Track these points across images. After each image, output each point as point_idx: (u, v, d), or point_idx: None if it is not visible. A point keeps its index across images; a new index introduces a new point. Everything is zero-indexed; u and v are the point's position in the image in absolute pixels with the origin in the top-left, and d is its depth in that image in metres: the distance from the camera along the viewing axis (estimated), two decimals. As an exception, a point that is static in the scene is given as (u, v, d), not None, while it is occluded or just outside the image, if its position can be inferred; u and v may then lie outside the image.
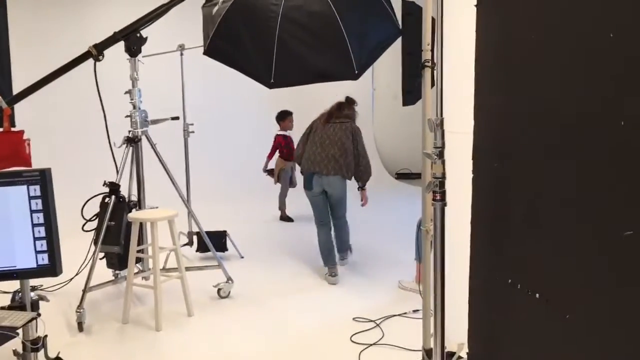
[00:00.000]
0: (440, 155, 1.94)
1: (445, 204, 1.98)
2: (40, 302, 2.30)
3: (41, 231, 2.04)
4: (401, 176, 9.71)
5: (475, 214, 1.98)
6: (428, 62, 2.04)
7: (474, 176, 1.96)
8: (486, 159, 1.92)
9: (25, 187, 2.00)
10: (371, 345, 3.37)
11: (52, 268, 2.06)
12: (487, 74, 1.89)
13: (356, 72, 4.66)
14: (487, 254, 1.95)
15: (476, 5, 1.88)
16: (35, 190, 2.01)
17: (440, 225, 1.97)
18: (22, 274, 2.07)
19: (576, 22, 1.54)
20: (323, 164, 4.59)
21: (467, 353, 2.12)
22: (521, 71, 1.76)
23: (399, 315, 3.81)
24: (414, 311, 3.85)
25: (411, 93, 6.28)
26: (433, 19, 1.87)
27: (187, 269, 4.13)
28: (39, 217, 2.02)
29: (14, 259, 2.04)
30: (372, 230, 6.25)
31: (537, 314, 1.72)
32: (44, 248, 2.05)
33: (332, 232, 4.80)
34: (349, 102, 4.98)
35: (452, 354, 2.29)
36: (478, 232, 1.98)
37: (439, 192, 1.96)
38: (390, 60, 6.74)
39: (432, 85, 2.18)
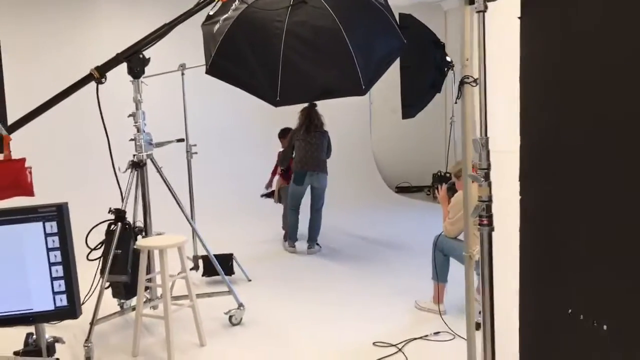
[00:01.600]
0: (487, 177, 1.83)
1: (492, 229, 1.86)
2: (56, 345, 2.14)
3: (59, 270, 1.89)
4: (401, 190, 9.61)
5: (524, 239, 1.87)
6: (468, 78, 1.93)
7: (522, 198, 1.84)
8: (536, 180, 1.80)
9: (41, 223, 1.86)
10: (396, 372, 3.23)
11: (72, 310, 1.91)
12: (535, 89, 1.78)
13: (363, 87, 4.56)
14: (541, 283, 1.83)
15: (520, 18, 1.77)
16: (52, 226, 1.86)
17: (487, 251, 1.85)
18: (39, 318, 1.91)
19: (635, 32, 1.44)
20: (313, 164, 5.84)
21: (520, 387, 2.00)
22: (574, 86, 1.65)
23: (420, 338, 3.68)
24: (435, 333, 3.72)
25: (410, 106, 6.24)
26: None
27: (197, 296, 3.97)
28: (57, 256, 1.88)
29: (30, 302, 1.89)
30: (378, 247, 6.12)
31: (603, 346, 1.60)
32: (62, 289, 1.90)
33: (308, 223, 6.02)
34: (315, 109, 6.01)
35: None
36: (528, 259, 1.86)
37: (485, 216, 1.85)
38: (388, 73, 6.67)
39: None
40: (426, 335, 3.70)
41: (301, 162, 5.83)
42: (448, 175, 8.67)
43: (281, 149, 6.43)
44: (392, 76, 5.86)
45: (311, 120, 5.90)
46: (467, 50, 1.93)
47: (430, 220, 7.32)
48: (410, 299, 4.33)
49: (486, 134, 1.80)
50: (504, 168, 1.98)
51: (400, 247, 6.10)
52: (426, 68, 6.32)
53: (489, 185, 1.83)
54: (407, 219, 7.60)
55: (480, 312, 2.12)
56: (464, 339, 3.59)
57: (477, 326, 2.53)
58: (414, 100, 6.24)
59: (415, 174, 9.76)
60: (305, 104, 5.92)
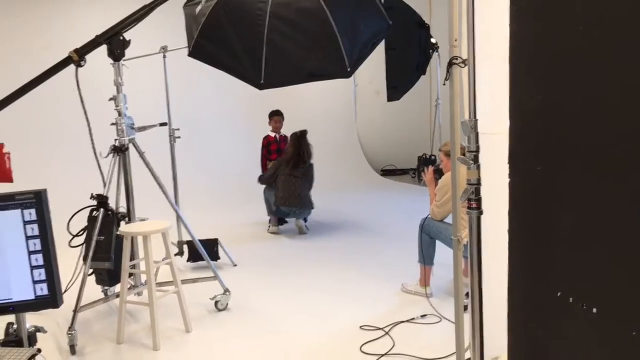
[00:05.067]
0: (476, 159, 1.80)
1: (481, 212, 1.84)
2: (38, 334, 2.10)
3: (38, 259, 1.83)
4: (387, 172, 9.61)
5: (513, 222, 1.84)
6: (457, 59, 1.89)
7: (512, 181, 1.81)
8: (526, 162, 1.77)
9: (19, 211, 1.80)
10: (383, 355, 3.22)
11: (53, 299, 1.86)
12: (525, 68, 1.75)
13: (348, 69, 4.53)
14: (530, 266, 1.81)
15: (509, -4, 1.73)
16: (31, 214, 1.80)
17: (476, 235, 1.83)
18: (19, 307, 1.86)
19: (630, 8, 1.41)
20: (298, 203, 5.83)
21: (508, 370, 1.99)
22: (566, 65, 1.61)
23: (406, 321, 3.68)
24: (422, 316, 3.73)
25: (395, 88, 6.20)
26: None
27: (182, 281, 3.93)
28: (36, 244, 1.82)
29: (9, 291, 1.84)
30: (363, 231, 6.11)
31: (592, 329, 1.58)
32: (43, 277, 1.85)
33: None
34: (306, 137, 5.95)
35: (486, 369, 2.16)
36: (517, 242, 1.84)
37: (474, 199, 1.82)
38: (373, 55, 6.64)
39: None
40: (413, 318, 3.70)
41: (285, 199, 5.80)
42: (433, 157, 8.68)
43: (268, 133, 6.36)
44: (377, 58, 5.83)
45: (300, 154, 5.84)
46: (456, 31, 1.89)
47: (415, 203, 7.34)
48: (397, 282, 4.33)
49: (475, 116, 1.77)
50: (493, 150, 1.96)
51: (386, 230, 6.09)
52: (411, 50, 6.29)
53: (478, 167, 1.80)
54: (393, 202, 7.60)
55: (467, 295, 2.11)
56: (450, 321, 3.61)
57: (465, 309, 2.53)
58: (399, 82, 6.22)
59: (400, 156, 9.76)
60: (296, 131, 5.93)
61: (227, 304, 4.03)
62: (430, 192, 4.17)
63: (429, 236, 4.03)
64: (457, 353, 2.47)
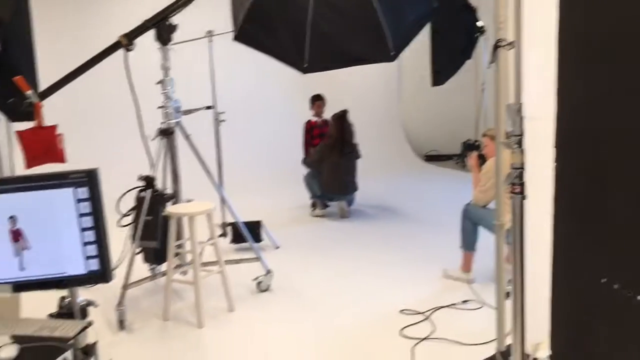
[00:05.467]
0: (520, 143, 1.78)
1: (525, 197, 1.82)
2: (89, 308, 2.19)
3: (91, 235, 1.92)
4: (430, 158, 9.52)
5: (558, 207, 1.82)
6: (503, 41, 1.86)
7: (557, 165, 1.78)
8: (572, 147, 1.74)
9: (72, 189, 1.88)
10: (423, 339, 3.23)
11: (103, 274, 1.95)
12: (574, 52, 1.71)
13: (392, 53, 4.50)
14: (574, 251, 1.79)
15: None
16: (83, 192, 1.88)
17: (519, 220, 1.82)
18: (72, 282, 1.95)
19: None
20: (344, 190, 5.94)
21: (550, 356, 1.97)
22: (619, 50, 1.57)
23: (447, 306, 3.67)
24: (464, 302, 3.71)
25: (440, 73, 6.12)
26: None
27: (226, 262, 4.01)
28: (88, 221, 1.90)
29: (63, 266, 1.93)
30: (406, 216, 6.10)
31: (637, 316, 1.56)
32: (94, 253, 1.93)
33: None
34: (347, 118, 5.92)
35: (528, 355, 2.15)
36: (561, 227, 1.82)
37: (518, 184, 1.81)
38: (417, 39, 6.55)
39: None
40: (454, 304, 3.69)
41: (330, 187, 5.88)
42: (478, 143, 8.55)
43: (310, 118, 6.39)
44: (421, 42, 5.76)
45: (344, 138, 5.83)
46: (502, 12, 1.86)
47: (459, 189, 7.25)
48: (438, 267, 4.32)
49: (520, 100, 1.75)
50: (538, 134, 1.93)
51: (428, 215, 6.06)
52: (457, 33, 6.19)
53: (522, 151, 1.78)
54: (436, 188, 7.54)
55: (509, 281, 2.10)
56: (492, 307, 3.59)
57: (507, 295, 2.51)
58: (444, 66, 6.14)
59: (444, 142, 9.64)
60: (337, 112, 5.89)
61: (269, 285, 4.10)
62: (474, 177, 4.13)
63: (471, 222, 4.00)
64: (498, 339, 2.46)
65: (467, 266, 4.04)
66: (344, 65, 4.83)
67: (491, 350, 2.95)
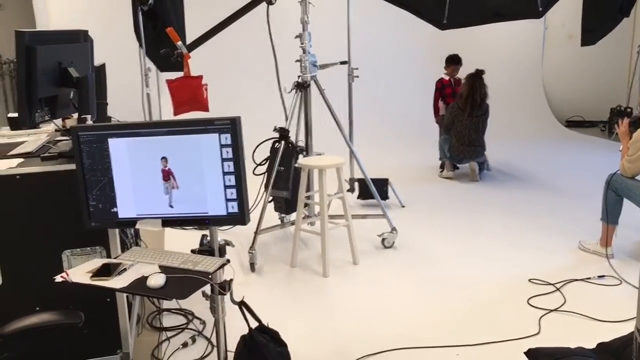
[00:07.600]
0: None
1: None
2: (227, 247, 2.35)
3: (231, 179, 2.03)
4: (572, 124, 8.91)
5: None
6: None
7: None
8: None
9: (217, 135, 1.99)
10: (552, 311, 3.11)
11: (242, 216, 2.07)
12: None
13: (540, 9, 4.22)
14: None
15: None
16: (227, 138, 1.99)
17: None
18: (213, 221, 2.10)
19: None
20: (472, 154, 5.77)
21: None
22: None
23: (581, 280, 3.48)
24: (599, 277, 3.50)
25: (592, 32, 5.63)
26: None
27: (352, 216, 4.09)
28: (230, 166, 2.02)
29: (205, 206, 2.07)
30: (542, 183, 5.80)
31: None
32: (234, 196, 2.05)
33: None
34: (482, 78, 5.64)
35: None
36: None
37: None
38: (568, -6, 6.07)
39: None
40: (588, 278, 3.49)
41: (458, 150, 5.78)
42: (629, 110, 7.86)
43: (442, 76, 6.22)
44: (573, -3, 5.31)
45: (474, 99, 5.60)
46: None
47: (603, 158, 6.76)
48: (574, 239, 4.09)
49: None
50: None
51: (567, 184, 5.72)
52: (616, -13, 5.63)
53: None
54: (577, 156, 7.06)
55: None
56: (633, 286, 3.35)
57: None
58: (596, 25, 5.65)
59: (589, 107, 8.96)
60: (472, 71, 5.62)
61: (393, 242, 4.13)
62: (623, 146, 3.81)
63: (615, 193, 3.71)
64: (637, 318, 2.30)
65: (607, 240, 3.78)
66: (485, 21, 4.59)
67: (628, 328, 2.78)
